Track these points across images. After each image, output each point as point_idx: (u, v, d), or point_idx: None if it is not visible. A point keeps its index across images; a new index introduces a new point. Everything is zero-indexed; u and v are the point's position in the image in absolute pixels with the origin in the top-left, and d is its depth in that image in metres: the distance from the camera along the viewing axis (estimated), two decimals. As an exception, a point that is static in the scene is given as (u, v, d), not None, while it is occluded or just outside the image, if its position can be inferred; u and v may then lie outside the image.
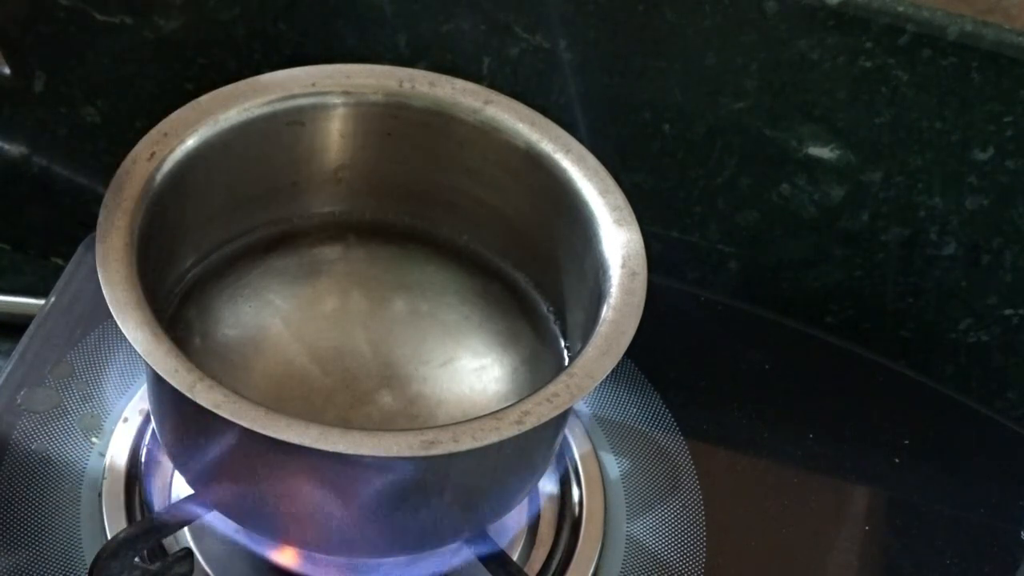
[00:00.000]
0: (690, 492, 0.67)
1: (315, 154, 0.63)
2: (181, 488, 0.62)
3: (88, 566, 0.57)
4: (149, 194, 0.56)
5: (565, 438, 0.66)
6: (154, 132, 0.57)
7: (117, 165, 0.56)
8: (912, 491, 0.71)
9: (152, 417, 0.60)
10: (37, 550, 0.60)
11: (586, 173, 0.59)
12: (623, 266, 0.56)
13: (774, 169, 0.75)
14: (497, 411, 0.50)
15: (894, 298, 0.79)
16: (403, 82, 0.62)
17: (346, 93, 0.61)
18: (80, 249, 0.72)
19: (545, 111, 0.62)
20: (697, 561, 0.64)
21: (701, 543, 0.65)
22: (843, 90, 0.71)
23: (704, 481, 0.67)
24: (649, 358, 0.70)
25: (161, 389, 0.55)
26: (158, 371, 0.49)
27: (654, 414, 0.70)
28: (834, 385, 0.75)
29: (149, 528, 0.58)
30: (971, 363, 0.80)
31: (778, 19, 0.69)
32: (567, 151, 0.60)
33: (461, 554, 0.60)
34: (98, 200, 0.54)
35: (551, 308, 0.63)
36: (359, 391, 0.59)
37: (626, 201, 0.58)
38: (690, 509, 0.66)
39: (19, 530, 0.61)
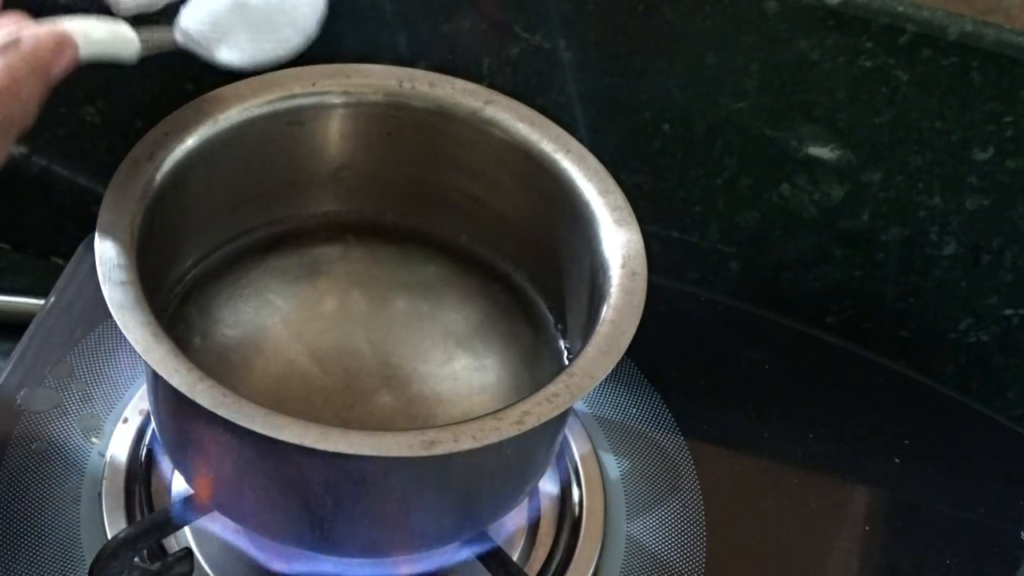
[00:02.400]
0: (690, 492, 0.67)
1: (315, 154, 0.63)
2: (181, 488, 0.62)
3: (88, 566, 0.57)
4: (149, 194, 0.56)
5: (565, 438, 0.66)
6: (154, 132, 0.57)
7: (117, 165, 0.56)
8: (912, 491, 0.71)
9: (152, 417, 0.60)
10: (37, 550, 0.60)
11: (586, 173, 0.59)
12: (623, 266, 0.56)
13: (774, 169, 0.75)
14: (497, 411, 0.50)
15: (894, 298, 0.79)
16: (403, 82, 0.62)
17: (346, 93, 0.61)
18: (80, 249, 0.72)
19: (545, 111, 0.62)
20: (697, 561, 0.64)
21: (701, 543, 0.65)
22: (843, 90, 0.71)
23: (704, 481, 0.67)
24: (649, 358, 0.70)
25: (161, 389, 0.55)
26: (158, 371, 0.49)
27: (654, 414, 0.70)
28: (834, 385, 0.75)
29: (149, 528, 0.58)
30: (971, 363, 0.80)
31: (778, 19, 0.69)
32: (567, 151, 0.60)
33: (461, 554, 0.60)
34: (98, 200, 0.54)
35: (551, 308, 0.63)
36: (359, 391, 0.59)
37: (626, 201, 0.58)
38: (690, 509, 0.66)
39: (19, 530, 0.61)
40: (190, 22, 0.54)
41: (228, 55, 0.55)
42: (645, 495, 0.66)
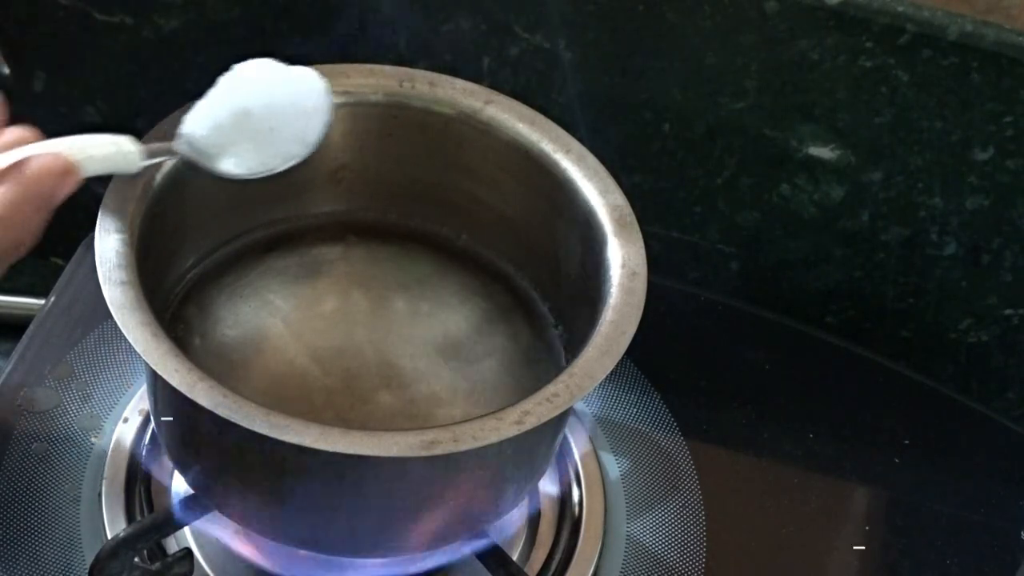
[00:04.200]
0: (690, 492, 0.67)
1: (315, 154, 0.62)
2: (181, 488, 0.62)
3: (88, 566, 0.57)
4: (149, 194, 0.56)
5: (565, 438, 0.66)
6: (154, 132, 0.57)
7: (117, 165, 0.56)
8: (912, 491, 0.71)
9: (152, 417, 0.60)
10: (37, 550, 0.60)
11: (586, 173, 0.59)
12: (623, 266, 0.56)
13: (774, 169, 0.75)
14: (497, 411, 0.50)
15: (894, 298, 0.79)
16: (403, 82, 0.62)
17: (346, 93, 0.61)
18: (80, 249, 0.72)
19: (545, 111, 0.62)
20: (697, 561, 0.64)
21: (701, 543, 0.65)
22: (843, 90, 0.71)
23: (704, 481, 0.67)
24: (649, 358, 0.70)
25: (161, 389, 0.55)
26: (158, 371, 0.49)
27: (654, 414, 0.70)
28: (834, 385, 0.75)
29: (149, 528, 0.58)
30: (971, 363, 0.80)
31: (778, 19, 0.69)
32: (567, 151, 0.60)
33: (461, 554, 0.60)
34: (98, 200, 0.54)
35: (551, 308, 0.63)
36: (359, 391, 0.59)
37: (626, 201, 0.58)
38: (690, 509, 0.66)
39: (19, 530, 0.61)
40: (193, 130, 0.54)
41: (229, 166, 0.55)
42: (645, 495, 0.66)
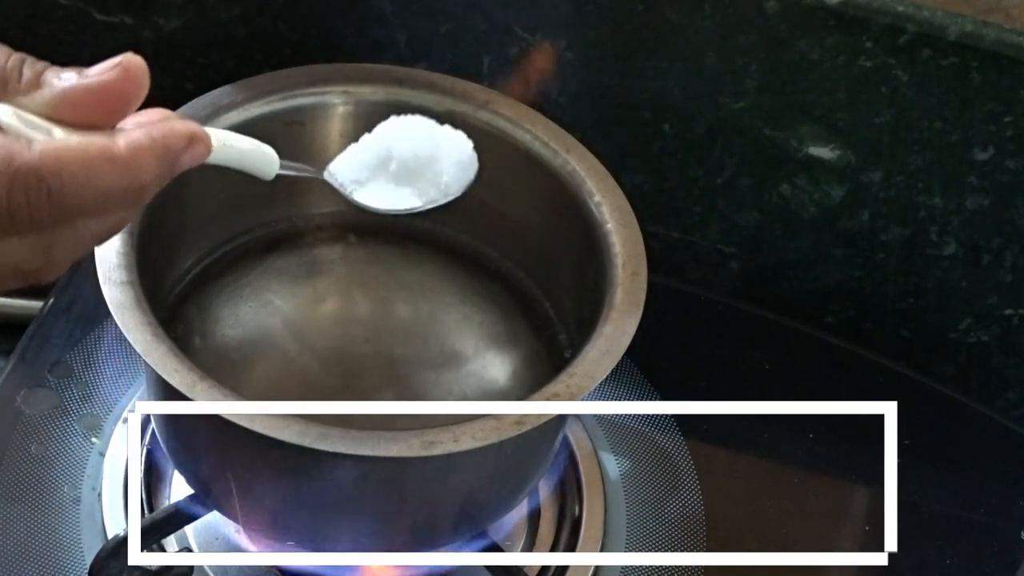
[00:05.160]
0: (690, 492, 0.67)
1: (315, 154, 0.63)
2: (181, 488, 0.62)
3: (88, 566, 0.57)
4: (149, 194, 0.55)
5: (565, 438, 0.66)
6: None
7: (117, 165, 0.56)
8: (912, 491, 0.71)
9: (152, 417, 0.60)
10: (37, 550, 0.60)
11: (586, 173, 0.59)
12: (623, 266, 0.56)
13: (774, 169, 0.75)
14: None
15: (894, 298, 0.79)
16: (403, 82, 0.62)
17: (346, 93, 0.61)
18: (80, 249, 0.72)
19: (545, 111, 0.62)
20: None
21: (701, 543, 0.65)
22: (843, 90, 0.71)
23: (704, 481, 0.67)
24: (649, 358, 0.70)
25: (161, 389, 0.55)
26: (158, 371, 0.49)
27: (654, 414, 0.70)
28: (834, 385, 0.75)
29: (149, 528, 0.58)
30: (971, 363, 0.80)
31: (778, 19, 0.69)
32: (567, 151, 0.60)
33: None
34: (98, 200, 0.54)
35: (551, 308, 0.63)
36: (359, 391, 0.59)
37: (626, 201, 0.58)
38: (690, 509, 0.66)
39: (19, 530, 0.61)
40: (339, 168, 0.56)
41: (366, 198, 0.56)
42: (645, 495, 0.66)
